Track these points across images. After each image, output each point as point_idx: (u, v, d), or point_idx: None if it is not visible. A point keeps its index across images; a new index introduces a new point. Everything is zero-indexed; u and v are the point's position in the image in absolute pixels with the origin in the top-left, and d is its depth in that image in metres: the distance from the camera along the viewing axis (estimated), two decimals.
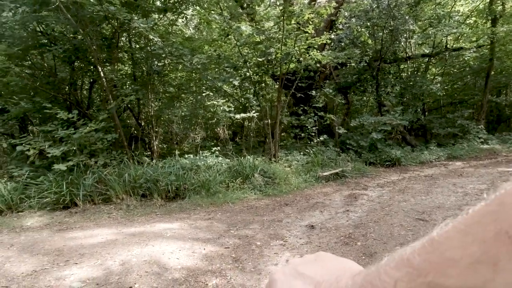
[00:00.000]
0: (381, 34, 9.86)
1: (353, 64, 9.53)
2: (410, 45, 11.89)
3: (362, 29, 9.59)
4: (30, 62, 7.17)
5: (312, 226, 4.01)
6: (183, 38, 8.79)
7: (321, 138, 8.37)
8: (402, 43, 11.09)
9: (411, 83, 10.75)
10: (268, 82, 9.22)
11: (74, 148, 5.72)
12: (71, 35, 7.14)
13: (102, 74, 6.32)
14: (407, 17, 9.49)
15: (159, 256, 3.07)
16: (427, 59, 11.83)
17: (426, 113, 12.34)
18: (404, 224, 3.86)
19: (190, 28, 10.78)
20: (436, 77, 12.82)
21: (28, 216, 4.70)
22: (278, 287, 0.36)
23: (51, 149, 5.43)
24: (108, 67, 7.35)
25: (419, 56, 11.66)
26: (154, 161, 6.42)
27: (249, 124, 9.68)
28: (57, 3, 5.13)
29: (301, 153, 7.98)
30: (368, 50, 9.68)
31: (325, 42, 7.46)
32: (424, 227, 3.74)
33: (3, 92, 6.59)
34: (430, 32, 9.80)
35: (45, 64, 7.38)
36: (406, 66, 12.07)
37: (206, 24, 9.49)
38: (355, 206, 4.85)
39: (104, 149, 6.17)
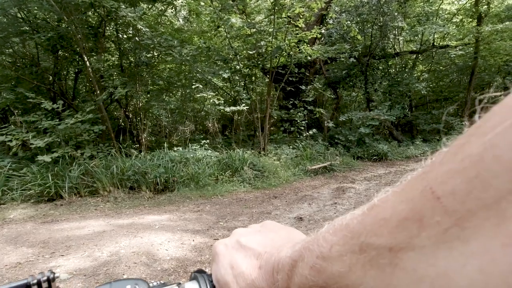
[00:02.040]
0: (370, 30, 9.95)
1: (342, 59, 9.60)
2: (399, 41, 12.05)
3: (352, 25, 9.65)
4: (11, 50, 6.90)
5: (301, 218, 4.06)
6: (172, 29, 8.64)
7: (310, 132, 8.43)
8: (391, 40, 11.24)
9: (398, 79, 10.93)
10: (258, 76, 9.19)
11: (59, 139, 5.58)
12: (55, 23, 6.90)
13: (88, 64, 6.16)
14: (396, 14, 9.61)
15: (148, 248, 3.05)
16: (414, 56, 12.03)
17: (413, 109, 12.60)
18: None
19: (180, 19, 10.59)
20: (423, 73, 13.07)
21: (10, 209, 4.58)
22: (220, 261, 0.35)
23: (34, 140, 5.28)
24: (94, 57, 7.16)
25: (407, 52, 11.84)
26: (142, 153, 6.33)
27: (239, 117, 9.66)
28: None
29: (290, 146, 8.03)
30: (357, 45, 9.76)
31: (315, 36, 7.47)
32: None
33: None
34: (418, 30, 9.95)
35: (27, 53, 7.12)
36: (394, 62, 12.25)
37: (195, 16, 9.33)
38: (343, 199, 4.94)
39: (90, 140, 6.05)
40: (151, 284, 0.37)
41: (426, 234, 0.17)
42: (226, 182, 5.78)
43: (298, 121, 8.69)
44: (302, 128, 8.69)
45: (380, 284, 0.19)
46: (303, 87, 8.91)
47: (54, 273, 0.38)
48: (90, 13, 7.07)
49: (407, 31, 10.74)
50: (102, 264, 2.72)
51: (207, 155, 6.47)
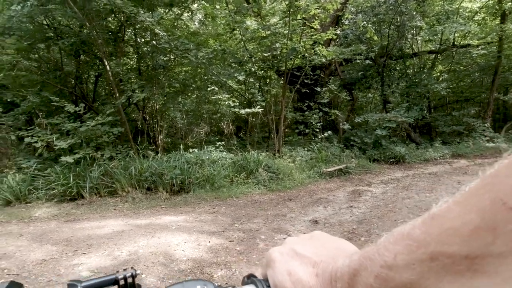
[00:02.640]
0: (387, 30, 9.77)
1: (358, 61, 9.47)
2: (417, 41, 11.77)
3: (368, 25, 9.51)
4: (37, 56, 7.22)
5: (316, 221, 4.04)
6: (188, 33, 8.79)
7: (326, 134, 8.36)
8: (409, 39, 10.99)
9: (416, 80, 10.67)
10: (273, 78, 9.21)
11: (81, 141, 5.78)
12: (78, 29, 7.17)
13: (108, 68, 6.36)
14: (414, 13, 9.39)
15: (165, 248, 3.12)
16: (433, 56, 11.71)
17: (432, 111, 12.25)
18: (408, 220, 3.86)
19: (195, 23, 10.76)
20: (443, 74, 12.69)
21: (36, 207, 4.79)
22: (277, 267, 0.36)
23: (58, 142, 5.50)
24: (114, 61, 7.39)
25: (425, 52, 11.54)
26: (159, 155, 6.47)
27: (254, 119, 9.69)
28: None
29: (305, 149, 7.99)
30: (374, 46, 9.60)
31: (330, 37, 7.41)
32: None
33: (12, 86, 6.66)
34: (437, 29, 9.68)
35: (52, 58, 7.43)
36: (412, 63, 11.96)
37: (211, 19, 9.46)
38: (359, 202, 4.87)
39: (110, 142, 6.23)
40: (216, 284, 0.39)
41: (502, 241, 0.18)
42: (241, 184, 5.81)
43: (313, 123, 8.64)
44: (317, 130, 8.63)
45: None
46: (318, 89, 8.84)
47: (136, 271, 0.43)
48: (110, 18, 7.30)
49: (426, 30, 10.47)
50: (122, 263, 2.80)
51: (222, 156, 6.53)
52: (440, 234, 0.21)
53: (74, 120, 6.00)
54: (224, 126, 10.49)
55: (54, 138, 5.58)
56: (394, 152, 8.32)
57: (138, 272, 0.43)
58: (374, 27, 9.60)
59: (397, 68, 11.58)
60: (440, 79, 11.97)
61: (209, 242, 3.32)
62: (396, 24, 9.48)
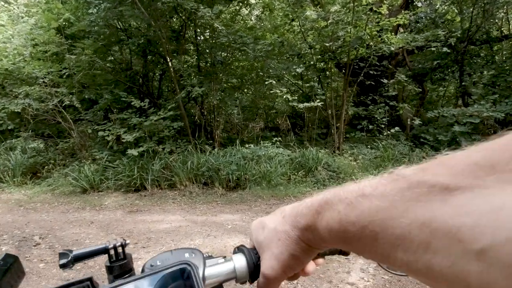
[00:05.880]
0: (471, 9, 8.39)
1: (433, 49, 8.31)
2: (508, 21, 9.93)
3: (445, 6, 8.28)
4: (111, 58, 7.86)
5: None
6: (246, 28, 8.71)
7: (392, 131, 7.54)
8: (498, 20, 9.31)
9: (507, 67, 9.01)
10: (333, 70, 8.63)
11: (145, 134, 6.09)
12: (145, 30, 7.60)
13: (170, 65, 6.58)
14: None
15: (221, 248, 3.00)
16: None
17: None
18: None
19: (252, 18, 10.66)
20: None
21: (106, 196, 5.16)
22: (253, 230, 0.41)
23: (125, 135, 5.86)
24: (176, 58, 7.65)
25: None
26: (215, 149, 6.51)
27: (310, 114, 9.25)
28: None
29: (368, 146, 7.32)
30: (454, 29, 8.33)
31: (401, 23, 6.59)
32: None
33: (90, 85, 7.36)
34: None
35: (124, 59, 8.01)
36: (501, 47, 10.16)
37: (269, 12, 9.24)
38: None
39: (170, 136, 6.47)
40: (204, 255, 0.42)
41: (495, 177, 0.18)
42: (298, 183, 5.51)
43: (378, 118, 7.87)
44: (383, 126, 7.84)
45: (421, 217, 0.20)
46: (385, 81, 8.01)
47: (125, 240, 0.43)
48: (173, 18, 7.57)
49: None
50: None
51: (279, 153, 6.30)
52: (432, 165, 0.21)
53: (140, 115, 6.36)
54: (280, 122, 10.23)
55: (122, 132, 5.96)
56: None
57: (128, 242, 0.43)
58: (454, 6, 8.34)
59: (481, 54, 9.94)
60: None
61: None
62: (484, 1, 8.08)
